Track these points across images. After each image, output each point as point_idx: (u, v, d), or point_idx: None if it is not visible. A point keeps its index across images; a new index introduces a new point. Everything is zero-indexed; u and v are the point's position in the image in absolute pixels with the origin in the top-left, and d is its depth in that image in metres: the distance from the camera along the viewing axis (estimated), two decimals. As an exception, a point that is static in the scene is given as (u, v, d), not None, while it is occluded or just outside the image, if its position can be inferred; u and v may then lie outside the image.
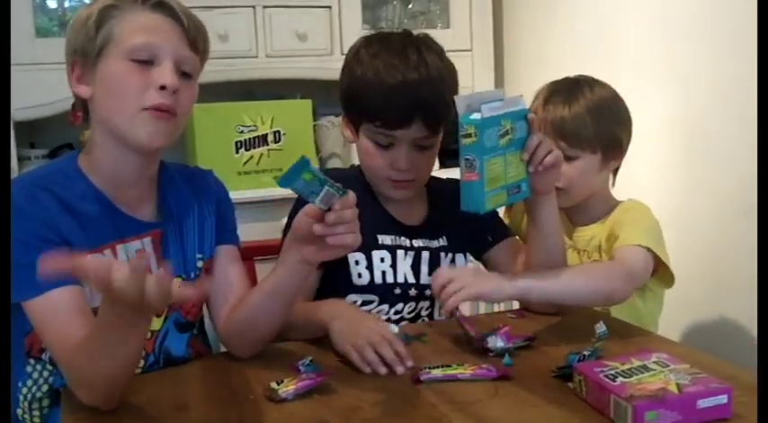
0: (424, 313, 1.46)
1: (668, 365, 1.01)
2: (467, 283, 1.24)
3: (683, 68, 1.98)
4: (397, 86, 1.32)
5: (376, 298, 1.41)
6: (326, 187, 1.02)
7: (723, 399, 0.93)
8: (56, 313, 1.06)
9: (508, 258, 1.46)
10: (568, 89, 1.59)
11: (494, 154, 1.21)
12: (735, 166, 1.85)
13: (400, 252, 1.42)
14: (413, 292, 1.43)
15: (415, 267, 1.43)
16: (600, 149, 1.56)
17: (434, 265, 1.44)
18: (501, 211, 1.60)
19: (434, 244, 1.46)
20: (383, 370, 1.14)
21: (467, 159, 1.19)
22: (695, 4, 1.97)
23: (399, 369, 1.14)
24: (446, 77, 1.37)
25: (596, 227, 1.60)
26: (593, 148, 1.55)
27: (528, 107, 1.31)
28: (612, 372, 0.99)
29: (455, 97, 1.20)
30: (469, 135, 1.18)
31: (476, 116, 1.18)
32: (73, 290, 1.08)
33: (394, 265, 1.42)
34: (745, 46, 1.78)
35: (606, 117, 1.57)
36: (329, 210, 1.04)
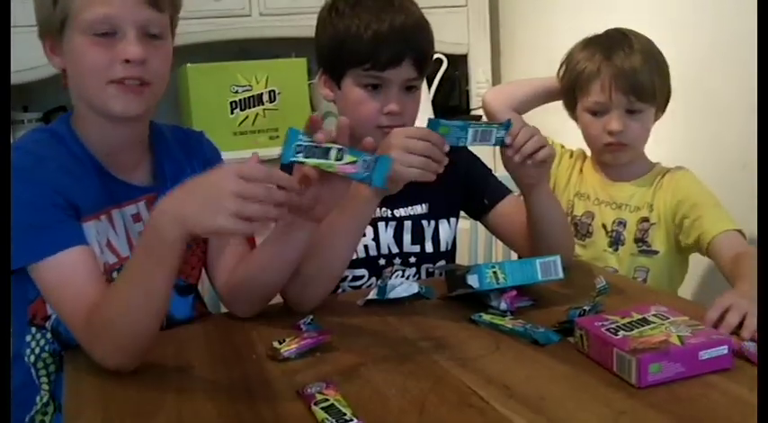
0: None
1: (668, 318, 1.01)
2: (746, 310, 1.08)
3: (683, 21, 1.96)
4: (388, 27, 1.31)
5: (365, 272, 1.42)
6: (470, 129, 1.16)
7: (724, 349, 0.94)
8: (73, 273, 1.04)
9: (514, 218, 1.42)
10: (620, 40, 1.54)
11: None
12: (733, 121, 1.84)
13: (381, 224, 1.42)
14: (397, 261, 1.43)
15: (398, 237, 1.43)
16: (658, 102, 1.55)
17: (417, 232, 1.44)
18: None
19: (416, 211, 1.45)
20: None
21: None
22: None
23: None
24: (427, 23, 1.38)
25: (637, 184, 1.59)
26: (654, 101, 1.54)
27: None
28: (613, 326, 0.99)
29: None
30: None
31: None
32: (85, 249, 1.07)
33: (376, 238, 1.42)
34: (747, 3, 1.76)
35: (662, 68, 1.55)
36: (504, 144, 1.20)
